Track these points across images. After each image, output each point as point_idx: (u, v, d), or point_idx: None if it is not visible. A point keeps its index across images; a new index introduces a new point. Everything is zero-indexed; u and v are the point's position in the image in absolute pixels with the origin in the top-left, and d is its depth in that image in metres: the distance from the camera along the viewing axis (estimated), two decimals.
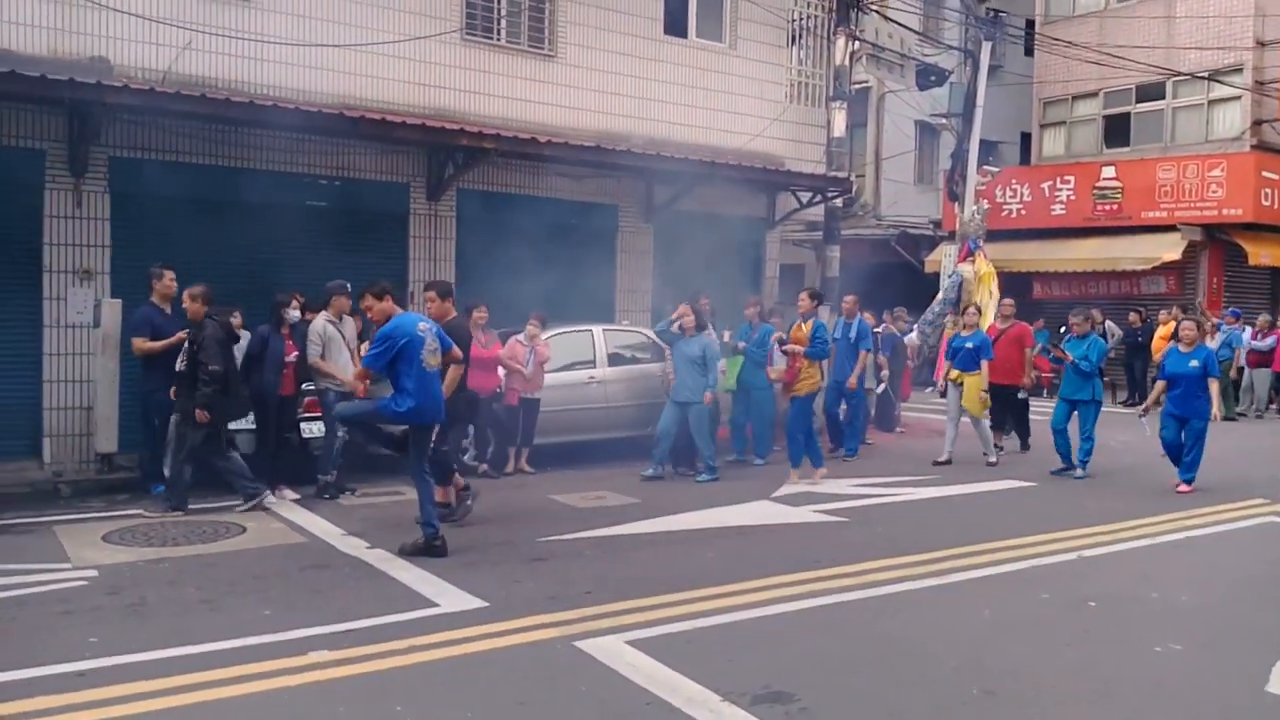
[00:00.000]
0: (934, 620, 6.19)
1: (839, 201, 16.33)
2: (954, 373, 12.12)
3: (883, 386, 14.80)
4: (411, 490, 9.75)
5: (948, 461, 11.89)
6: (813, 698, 4.85)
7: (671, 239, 14.83)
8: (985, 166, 21.05)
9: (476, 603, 6.27)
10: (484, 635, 5.70)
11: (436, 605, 6.25)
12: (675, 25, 14.97)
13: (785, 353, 10.76)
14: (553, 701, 4.80)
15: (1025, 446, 13.06)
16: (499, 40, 13.44)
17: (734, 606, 6.28)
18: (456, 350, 7.95)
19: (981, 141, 19.27)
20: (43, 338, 10.32)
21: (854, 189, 16.78)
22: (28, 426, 10.28)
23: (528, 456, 11.18)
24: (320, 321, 9.71)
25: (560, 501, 9.58)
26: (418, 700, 4.78)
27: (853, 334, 12.55)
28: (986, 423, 12.24)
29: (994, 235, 21.81)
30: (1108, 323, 20.31)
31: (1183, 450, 10.36)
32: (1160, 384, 10.63)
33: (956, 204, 19.39)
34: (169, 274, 9.59)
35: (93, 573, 6.87)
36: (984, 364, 11.97)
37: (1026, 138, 26.93)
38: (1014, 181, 23.39)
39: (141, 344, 9.31)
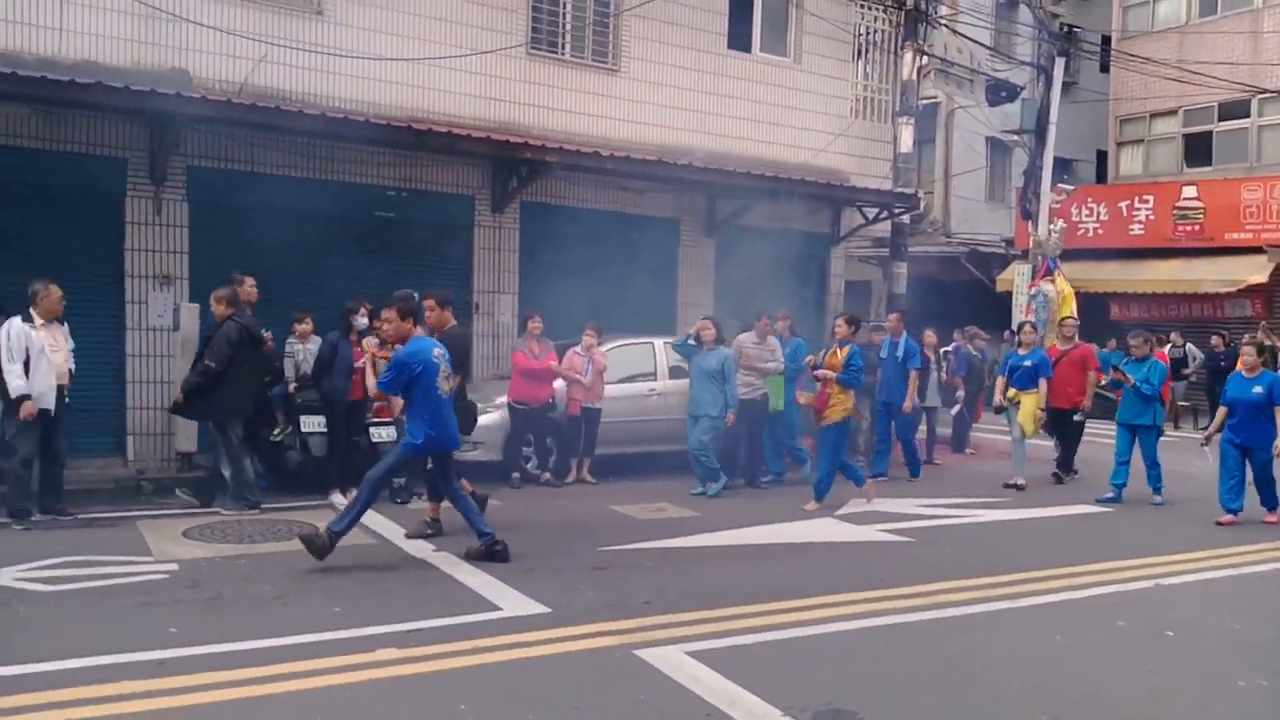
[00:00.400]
0: (1003, 643, 6.08)
1: (906, 217, 16.20)
2: (1011, 391, 11.84)
3: (957, 407, 14.63)
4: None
5: (1022, 486, 11.57)
6: (875, 716, 4.80)
7: (733, 254, 14.82)
8: (1060, 185, 20.76)
9: (538, 608, 6.31)
10: (545, 640, 5.74)
11: (499, 609, 6.31)
12: (739, 40, 15.00)
13: (816, 378, 10.38)
14: (611, 708, 4.82)
15: (1068, 472, 12.46)
16: (564, 55, 13.59)
17: (797, 622, 6.23)
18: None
19: (1055, 159, 19.02)
20: (125, 340, 10.67)
21: (921, 205, 16.63)
22: (113, 425, 10.62)
23: (590, 466, 11.23)
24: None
25: (621, 512, 9.61)
26: (479, 700, 4.82)
27: (899, 353, 12.28)
28: (1026, 444, 11.89)
29: (1070, 255, 21.46)
30: (1189, 346, 19.88)
31: (1240, 481, 9.85)
32: (1222, 411, 10.16)
33: (1030, 222, 19.15)
34: (249, 280, 9.83)
35: (173, 566, 7.06)
36: (1042, 383, 11.65)
37: (1102, 155, 26.49)
38: (1090, 200, 22.98)
39: None
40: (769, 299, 12.42)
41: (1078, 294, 16.55)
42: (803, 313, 15.29)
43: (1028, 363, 11.76)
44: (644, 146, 13.48)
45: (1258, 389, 9.73)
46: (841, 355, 10.11)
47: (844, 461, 10.40)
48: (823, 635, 6.05)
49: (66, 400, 8.44)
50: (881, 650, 5.85)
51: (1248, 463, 9.86)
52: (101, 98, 9.50)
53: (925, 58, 16.29)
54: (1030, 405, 11.64)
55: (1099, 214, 22.73)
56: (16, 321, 8.16)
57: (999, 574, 7.61)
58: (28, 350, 8.09)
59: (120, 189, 10.66)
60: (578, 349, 11.14)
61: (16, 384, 8.00)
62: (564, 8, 13.60)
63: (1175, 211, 21.74)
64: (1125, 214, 22.37)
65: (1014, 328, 16.24)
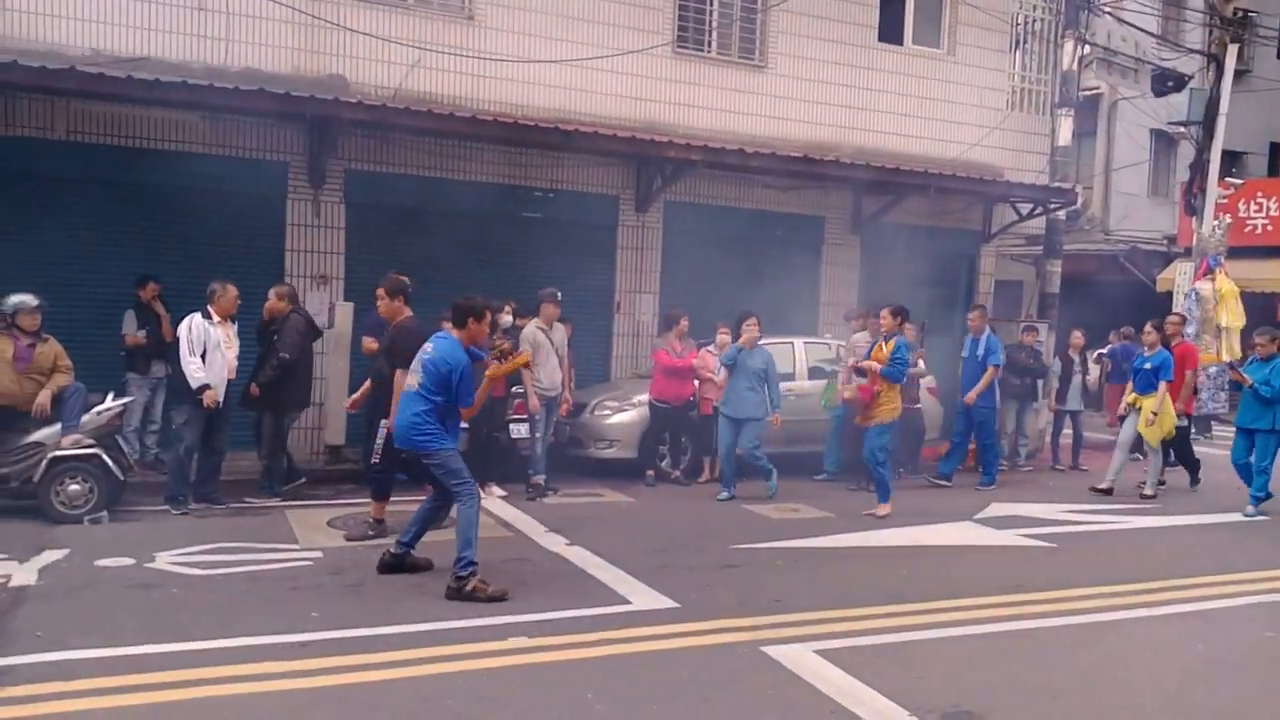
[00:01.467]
0: (1140, 652, 5.85)
1: (1061, 214, 15.58)
2: (1131, 395, 11.22)
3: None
4: (610, 492, 10.07)
5: (1108, 490, 11.04)
6: None
7: (879, 252, 14.55)
8: (1228, 179, 19.63)
9: (667, 603, 6.36)
10: (673, 634, 5.78)
11: (629, 603, 6.38)
12: (890, 32, 14.71)
13: (859, 370, 9.95)
14: (737, 702, 4.82)
15: (1194, 480, 11.82)
16: (709, 52, 13.59)
17: (928, 625, 6.11)
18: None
19: (1224, 152, 18.00)
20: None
21: (1079, 201, 15.97)
22: None
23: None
24: (530, 328, 10.09)
25: (754, 512, 9.57)
26: (607, 690, 4.89)
27: (980, 350, 11.63)
28: (1159, 451, 11.23)
29: (1236, 252, 20.25)
30: None
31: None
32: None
33: (1194, 218, 18.18)
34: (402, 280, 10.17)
35: (318, 554, 7.39)
36: (1161, 386, 10.87)
37: (1276, 148, 24.93)
38: (1260, 195, 21.63)
39: (369, 344, 9.93)
40: (915, 298, 12.13)
41: (1243, 293, 15.59)
42: (948, 312, 14.90)
43: (1149, 365, 11.05)
44: (790, 143, 13.37)
45: None
46: (888, 349, 9.59)
47: (878, 466, 9.58)
48: (954, 638, 5.91)
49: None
50: (1012, 655, 5.69)
51: None
52: (264, 104, 10.02)
53: (1087, 47, 15.62)
54: (1148, 410, 10.90)
55: (1268, 209, 21.38)
56: (197, 317, 8.68)
57: (1138, 581, 7.34)
58: (205, 344, 8.61)
59: (282, 192, 11.21)
60: (711, 347, 11.13)
61: (197, 375, 8.49)
62: (710, 5, 13.59)
63: None
64: None
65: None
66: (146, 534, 7.82)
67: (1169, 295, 19.07)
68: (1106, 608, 6.63)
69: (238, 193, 10.88)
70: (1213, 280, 14.22)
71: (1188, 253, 18.48)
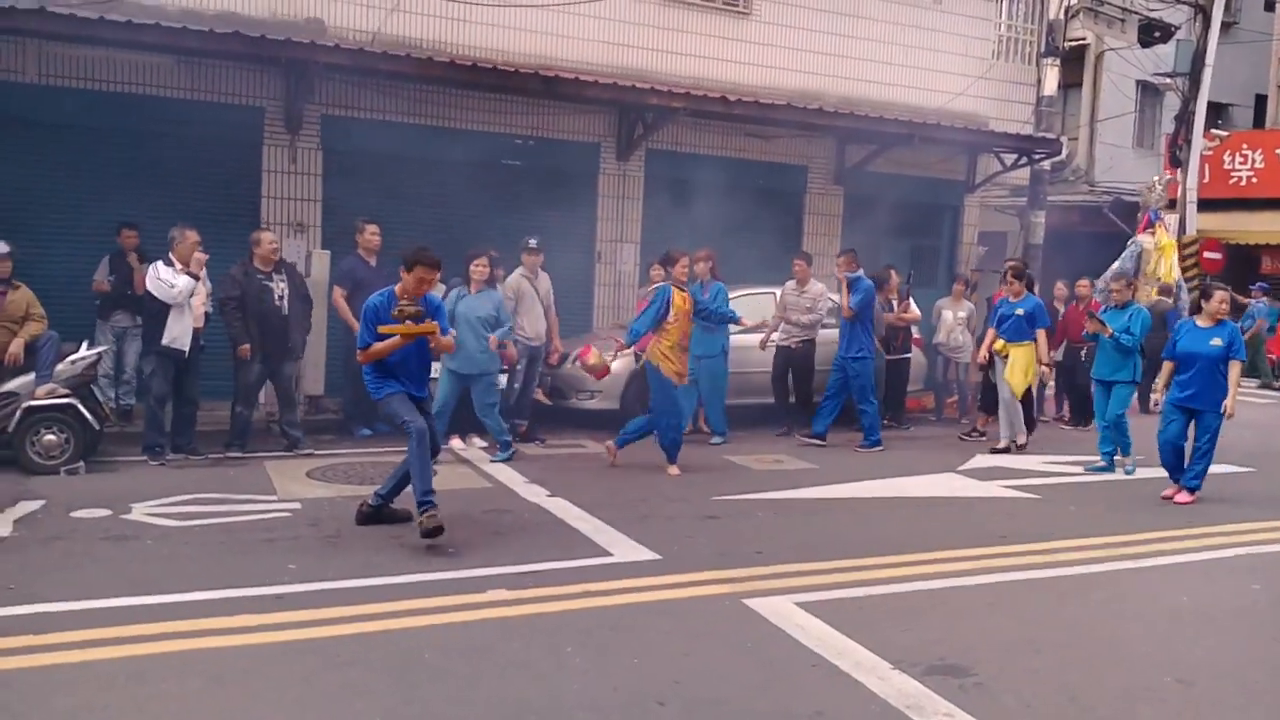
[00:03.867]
0: (1126, 604, 5.85)
1: (1046, 164, 15.50)
2: (998, 343, 10.55)
3: None
4: (592, 443, 10.03)
5: (1005, 449, 10.49)
6: (990, 674, 4.66)
7: (862, 201, 14.46)
8: (1213, 131, 19.59)
9: (648, 555, 6.33)
10: (654, 586, 5.75)
11: (610, 554, 6.35)
12: None
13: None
14: (717, 654, 4.80)
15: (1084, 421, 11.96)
16: None
17: (911, 576, 6.10)
18: None
19: (1210, 104, 17.96)
20: None
21: (1063, 151, 15.89)
22: None
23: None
24: (515, 276, 10.00)
25: (736, 463, 9.55)
26: (587, 643, 4.86)
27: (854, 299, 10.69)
28: (1015, 401, 10.58)
29: (1221, 204, 20.35)
30: None
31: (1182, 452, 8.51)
32: (1168, 365, 8.66)
33: (1179, 170, 18.16)
34: (370, 227, 10.02)
35: (296, 505, 7.32)
36: (1040, 334, 10.41)
37: (1262, 100, 24.83)
38: (1245, 147, 21.65)
39: (339, 301, 9.86)
40: (898, 248, 12.09)
41: (1226, 245, 15.62)
42: (932, 262, 14.86)
43: (1019, 310, 10.41)
44: (774, 91, 13.21)
45: (1215, 341, 8.25)
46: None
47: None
48: (937, 590, 5.90)
49: (201, 344, 8.79)
50: (998, 607, 5.68)
51: None
52: (239, 47, 9.81)
53: None
54: (1020, 359, 10.43)
55: (1254, 161, 21.39)
56: (160, 265, 8.52)
57: (1125, 533, 7.33)
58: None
59: (257, 138, 11.00)
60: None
61: (179, 285, 8.37)
62: None
63: None
64: None
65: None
66: (123, 485, 7.74)
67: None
68: (1091, 559, 6.63)
69: (213, 138, 10.69)
70: (1153, 233, 14.26)
71: (1173, 205, 18.47)
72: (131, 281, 9.66)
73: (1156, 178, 15.66)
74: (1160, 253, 14.04)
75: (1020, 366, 10.44)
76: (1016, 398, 10.58)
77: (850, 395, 10.65)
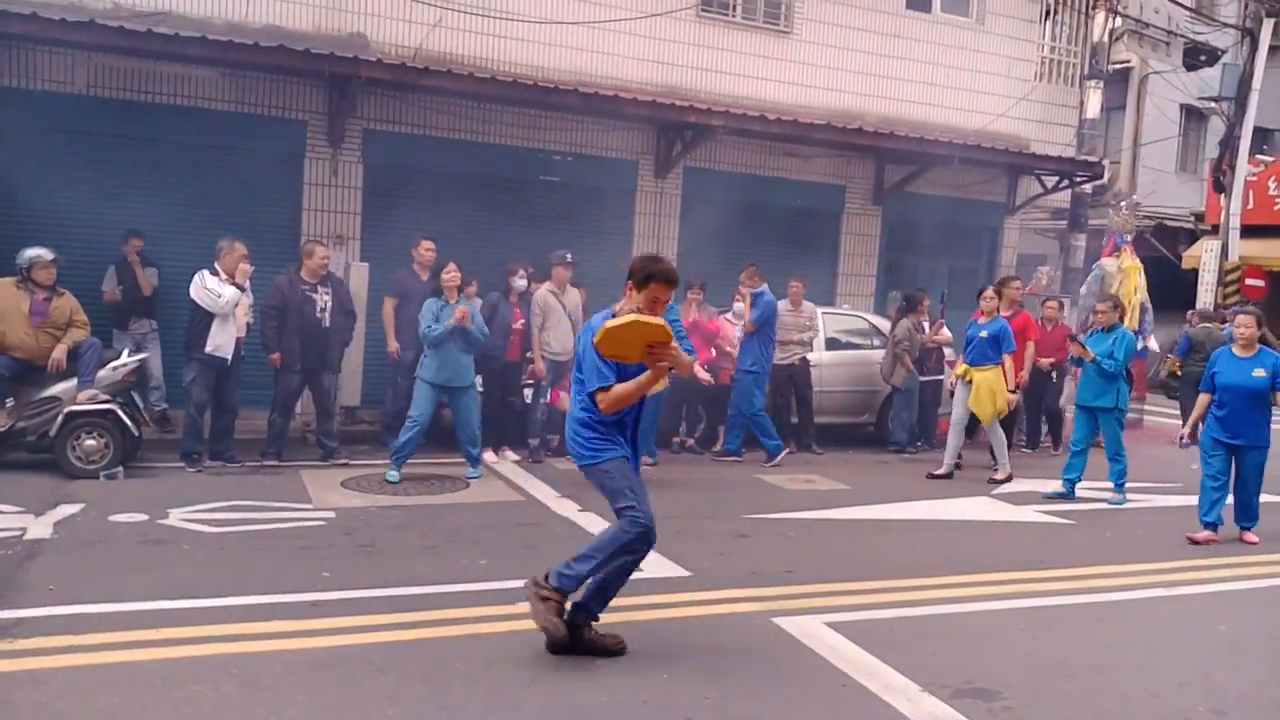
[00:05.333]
0: (1160, 632, 5.78)
1: (1088, 188, 15.40)
2: (961, 367, 10.24)
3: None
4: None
5: (947, 475, 10.13)
6: (1019, 698, 4.61)
7: (901, 222, 14.42)
8: (1258, 156, 19.35)
9: (679, 571, 6.33)
10: (684, 603, 5.75)
11: (641, 570, 6.28)
12: (919, 0, 14.49)
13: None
14: (747, 672, 4.78)
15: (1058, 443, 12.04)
16: (734, 16, 13.40)
17: (943, 599, 6.06)
18: None
19: (1255, 128, 17.75)
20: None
21: (1105, 174, 15.76)
22: None
23: None
24: (541, 292, 10.01)
25: (768, 482, 9.53)
26: (616, 657, 4.85)
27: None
28: (996, 429, 10.25)
29: (1262, 231, 20.04)
30: None
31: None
32: (1204, 397, 8.17)
33: (1222, 196, 17.95)
34: (426, 243, 10.04)
35: (330, 514, 7.39)
36: (1006, 358, 10.01)
37: None
38: None
39: (389, 311, 10.01)
40: (935, 270, 12.04)
41: (1266, 272, 15.40)
42: (969, 284, 14.77)
43: (984, 334, 9.99)
44: (813, 111, 13.21)
45: (1258, 372, 7.74)
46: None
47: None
48: (968, 614, 5.86)
49: (242, 354, 8.90)
50: (1029, 632, 5.62)
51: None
52: (283, 61, 9.96)
53: (1119, 18, 15.39)
54: (988, 384, 9.96)
55: None
56: (206, 274, 8.66)
57: (1160, 560, 7.26)
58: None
59: (300, 150, 11.15)
60: (729, 315, 11.04)
61: (226, 295, 8.52)
62: None
63: None
64: None
65: (1198, 308, 15.34)
66: (161, 490, 7.84)
67: (1195, 273, 18.87)
68: (1125, 586, 6.56)
69: (256, 150, 10.82)
70: (1118, 258, 14.18)
71: (1214, 230, 18.27)
72: (139, 287, 9.83)
73: (1124, 203, 15.56)
74: (1124, 275, 13.98)
75: (985, 392, 9.97)
76: (986, 425, 10.25)
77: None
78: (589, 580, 4.86)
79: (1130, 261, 14.23)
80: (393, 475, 8.52)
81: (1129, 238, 14.91)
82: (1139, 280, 14.02)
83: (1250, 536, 8.00)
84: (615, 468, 4.91)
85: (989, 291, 10.41)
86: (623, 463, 4.94)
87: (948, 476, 10.14)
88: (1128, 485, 9.48)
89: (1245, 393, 7.74)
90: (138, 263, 9.96)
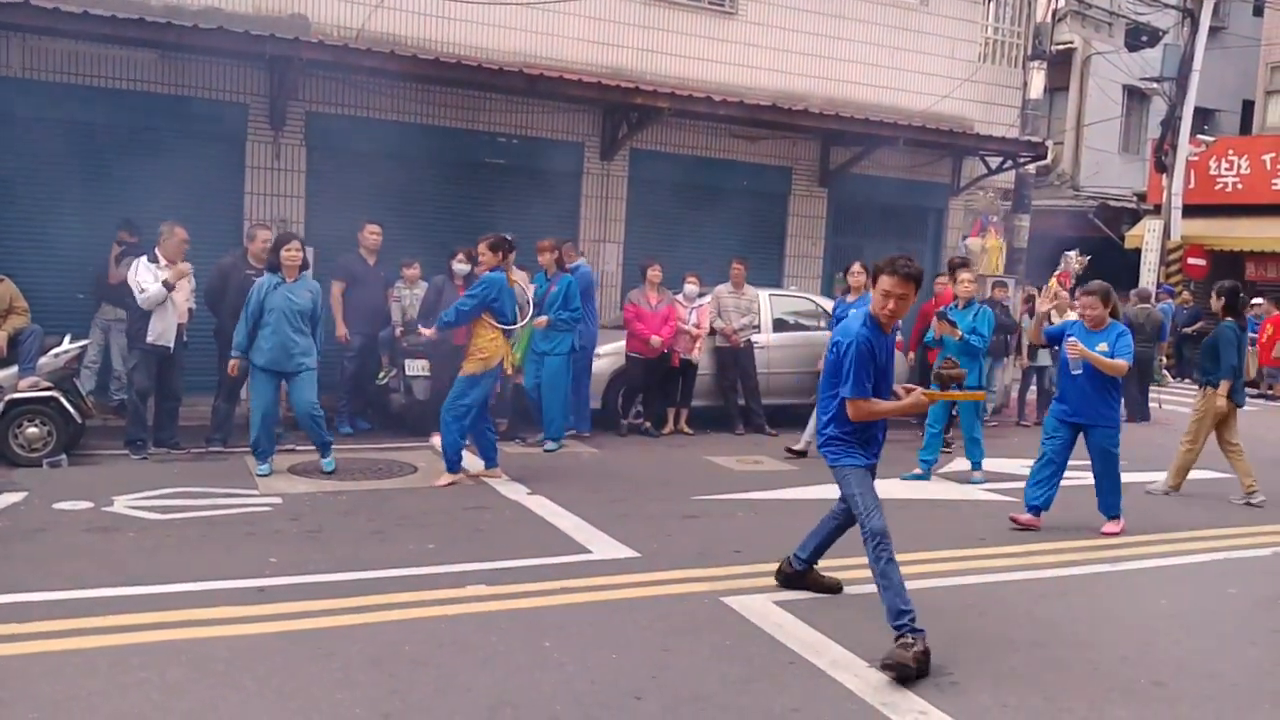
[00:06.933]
0: (1103, 607, 5.90)
1: (1031, 168, 15.61)
2: None
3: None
4: (573, 442, 10.04)
5: (801, 452, 9.93)
6: (965, 674, 4.70)
7: (847, 203, 14.53)
8: (1199, 136, 19.72)
9: (628, 552, 6.37)
10: (633, 584, 5.78)
11: (589, 551, 6.38)
12: None
13: None
14: (696, 651, 4.83)
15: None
16: None
17: None
18: None
19: (1197, 109, 18.08)
20: None
21: (1048, 155, 15.99)
22: None
23: (686, 418, 11.21)
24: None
25: (716, 463, 9.59)
26: (565, 638, 4.89)
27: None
28: None
29: (1205, 210, 20.47)
30: None
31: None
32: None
33: (1164, 176, 18.29)
34: (371, 227, 10.08)
35: (277, 500, 7.33)
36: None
37: (1249, 106, 25.03)
38: (1231, 153, 21.79)
39: (337, 295, 9.96)
40: (882, 250, 12.08)
41: (1210, 251, 15.79)
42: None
43: (853, 312, 10.12)
44: (759, 92, 13.26)
45: (1102, 346, 7.32)
46: None
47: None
48: (914, 590, 5.85)
49: (185, 340, 8.77)
50: (974, 608, 5.72)
51: None
52: (223, 43, 9.80)
53: (1061, 0, 15.58)
54: None
55: (1239, 167, 21.53)
56: (143, 262, 8.51)
57: (1102, 537, 7.39)
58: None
59: (241, 134, 10.98)
60: (680, 297, 11.07)
61: (151, 292, 8.27)
62: None
63: None
64: (1269, 168, 21.14)
65: (1138, 288, 15.62)
66: (105, 478, 7.73)
67: (1137, 252, 19.24)
68: (1068, 562, 6.69)
69: (196, 134, 10.68)
70: (983, 238, 14.67)
71: (1157, 210, 18.61)
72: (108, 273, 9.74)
73: (985, 187, 15.90)
74: (987, 254, 14.54)
75: None
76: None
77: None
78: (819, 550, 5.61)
79: (995, 241, 14.98)
80: (328, 464, 8.32)
81: (995, 218, 15.38)
82: (999, 260, 15.00)
83: (1110, 527, 7.50)
84: (854, 476, 5.14)
85: (856, 267, 9.93)
86: (864, 475, 5.14)
87: (802, 454, 9.89)
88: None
89: (1091, 369, 7.34)
90: (116, 252, 9.79)
